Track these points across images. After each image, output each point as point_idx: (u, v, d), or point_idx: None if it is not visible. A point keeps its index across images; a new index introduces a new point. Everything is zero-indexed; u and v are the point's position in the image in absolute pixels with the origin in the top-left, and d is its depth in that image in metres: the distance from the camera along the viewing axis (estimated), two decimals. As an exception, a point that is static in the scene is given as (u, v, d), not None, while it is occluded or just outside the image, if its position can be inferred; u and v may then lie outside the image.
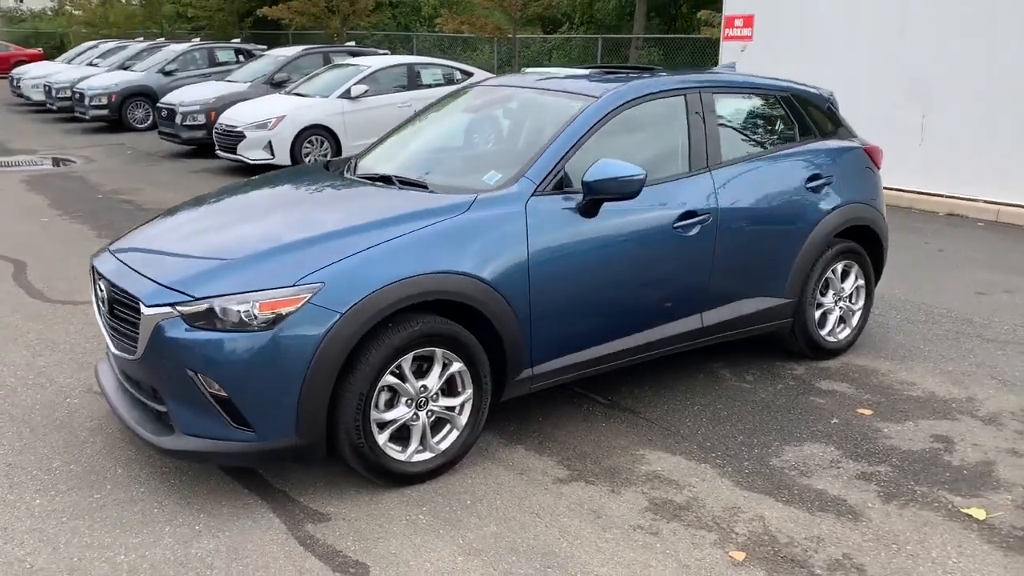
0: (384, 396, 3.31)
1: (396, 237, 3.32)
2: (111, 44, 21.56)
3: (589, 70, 4.67)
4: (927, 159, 9.26)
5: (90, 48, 22.33)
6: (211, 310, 3.05)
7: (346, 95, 11.84)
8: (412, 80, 12.56)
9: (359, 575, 2.85)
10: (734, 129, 4.53)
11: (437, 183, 3.85)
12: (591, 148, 3.88)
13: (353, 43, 16.16)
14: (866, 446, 3.84)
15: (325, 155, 11.75)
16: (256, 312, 3.04)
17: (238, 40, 18.67)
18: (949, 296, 6.14)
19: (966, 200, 9.01)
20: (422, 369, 3.39)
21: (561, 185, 3.73)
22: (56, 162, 12.78)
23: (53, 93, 18.45)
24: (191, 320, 3.06)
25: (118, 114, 16.39)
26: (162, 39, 20.88)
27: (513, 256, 3.50)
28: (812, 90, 4.94)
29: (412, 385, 3.33)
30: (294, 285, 3.09)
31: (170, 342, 3.08)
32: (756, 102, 4.73)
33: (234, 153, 11.54)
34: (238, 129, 11.47)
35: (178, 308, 3.08)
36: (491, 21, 15.75)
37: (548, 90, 4.35)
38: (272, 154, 11.35)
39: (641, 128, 4.18)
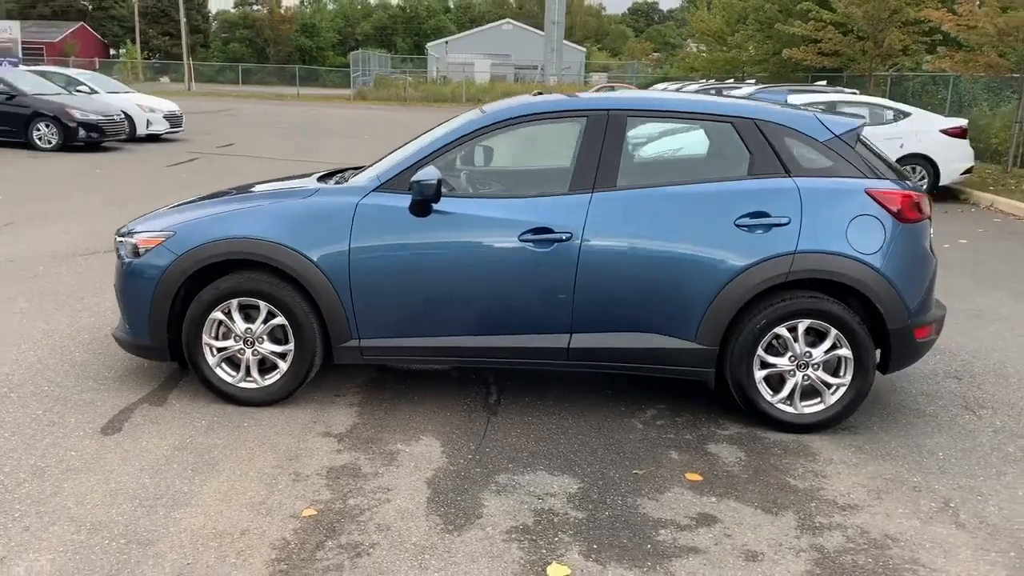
0: (223, 329, 4.31)
1: (244, 208, 4.31)
2: (665, 85, 24.10)
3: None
4: None
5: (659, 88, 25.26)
6: (132, 244, 4.45)
7: (748, 131, 11.95)
8: (829, 119, 12.01)
9: (110, 433, 3.97)
10: (648, 155, 4.28)
11: (353, 180, 4.63)
12: (470, 157, 4.28)
13: (824, 82, 15.69)
14: (609, 498, 3.52)
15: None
16: (140, 247, 4.35)
17: (752, 80, 19.39)
18: None
19: None
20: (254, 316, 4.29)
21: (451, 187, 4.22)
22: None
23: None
24: (128, 248, 4.50)
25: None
26: (686, 80, 22.61)
27: (335, 238, 4.16)
28: (802, 118, 4.24)
29: (238, 325, 4.28)
30: (159, 232, 4.33)
31: (117, 261, 4.58)
32: (694, 129, 4.32)
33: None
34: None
35: (124, 239, 4.55)
36: (985, 59, 13.70)
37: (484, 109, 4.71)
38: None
39: (531, 144, 4.34)
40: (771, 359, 4.15)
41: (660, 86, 24.47)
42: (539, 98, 4.47)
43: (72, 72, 19.79)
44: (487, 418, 4.31)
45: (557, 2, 47.42)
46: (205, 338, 4.29)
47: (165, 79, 61.61)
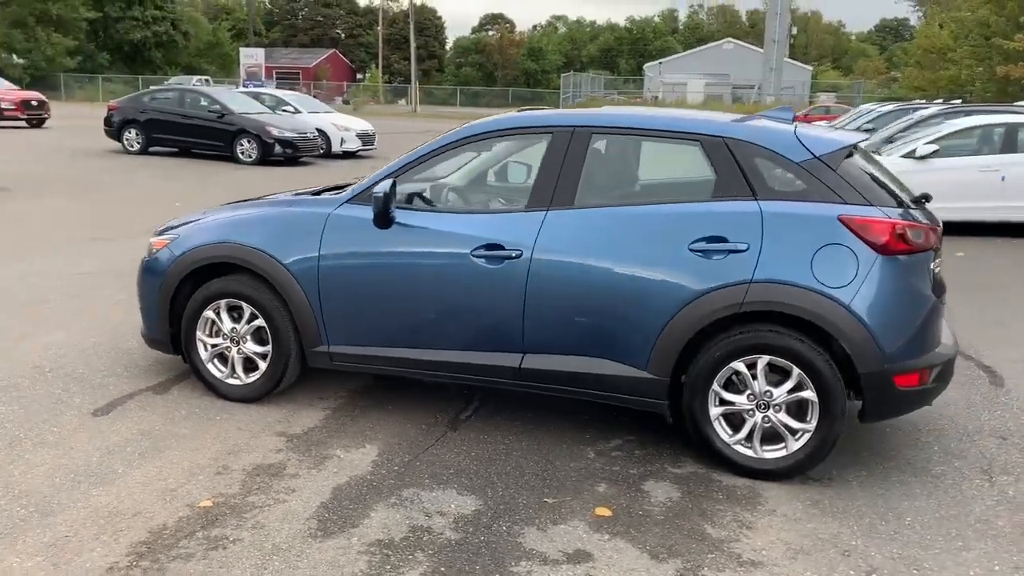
0: (215, 327, 4.62)
1: (237, 215, 4.61)
2: (868, 105, 22.47)
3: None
4: None
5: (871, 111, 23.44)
6: (150, 244, 4.89)
7: (911, 155, 11.01)
8: (1008, 142, 10.79)
9: (99, 415, 4.38)
10: (610, 172, 4.09)
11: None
12: (442, 171, 4.35)
13: (1025, 103, 13.97)
14: (496, 523, 3.42)
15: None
16: (154, 247, 4.78)
17: (959, 101, 17.61)
18: None
19: None
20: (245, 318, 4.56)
21: (407, 200, 4.31)
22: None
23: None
24: (148, 248, 4.94)
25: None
26: (887, 101, 20.86)
27: (307, 246, 4.33)
28: (777, 136, 3.86)
29: (226, 325, 4.57)
30: (167, 234, 4.73)
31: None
32: (660, 148, 4.06)
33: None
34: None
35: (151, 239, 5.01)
36: None
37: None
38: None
39: (497, 160, 4.30)
40: (729, 396, 3.84)
41: (865, 106, 22.92)
42: (515, 114, 4.42)
43: (281, 93, 21.78)
44: (443, 432, 4.31)
45: (778, 20, 45.70)
46: (199, 334, 4.61)
47: (402, 101, 65.74)
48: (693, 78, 51.96)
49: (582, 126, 4.09)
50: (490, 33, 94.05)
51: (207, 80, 46.23)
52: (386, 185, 4.08)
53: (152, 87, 23.09)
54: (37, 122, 25.38)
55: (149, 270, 4.73)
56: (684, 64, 59.03)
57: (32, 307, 6.32)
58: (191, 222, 4.81)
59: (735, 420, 3.87)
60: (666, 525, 3.43)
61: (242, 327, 4.53)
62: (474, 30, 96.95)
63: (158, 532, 3.26)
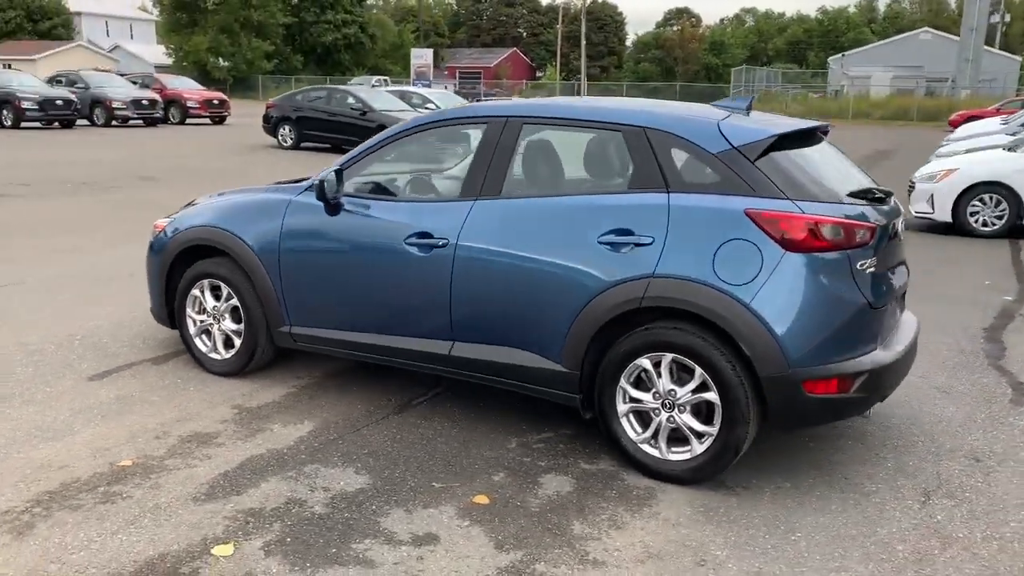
0: (201, 304, 4.98)
1: (221, 200, 4.94)
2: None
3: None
4: None
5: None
6: (154, 226, 5.33)
7: (1040, 152, 9.98)
8: None
9: (94, 379, 4.84)
10: (538, 163, 4.05)
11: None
12: (393, 162, 4.50)
13: None
14: (370, 502, 3.51)
15: (1000, 217, 10.27)
16: (156, 230, 5.21)
17: None
18: None
19: None
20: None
21: (371, 190, 4.52)
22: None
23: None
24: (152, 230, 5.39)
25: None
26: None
27: (271, 230, 4.59)
28: (698, 126, 3.67)
29: (209, 303, 4.91)
30: (166, 217, 5.14)
31: (155, 241, 5.48)
32: (584, 137, 3.96)
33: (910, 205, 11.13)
34: (914, 180, 11.03)
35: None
36: None
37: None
38: (932, 209, 10.57)
39: (439, 151, 4.37)
40: (636, 393, 3.73)
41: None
42: (460, 107, 4.48)
43: (426, 91, 22.61)
44: (385, 415, 4.43)
45: (977, 5, 41.98)
46: (188, 311, 4.98)
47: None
48: (878, 70, 48.76)
49: (513, 116, 4.09)
50: (673, 28, 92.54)
51: (385, 80, 48.34)
52: (327, 173, 4.26)
53: (306, 87, 24.54)
54: (219, 119, 27.67)
55: (152, 250, 5.16)
56: (873, 56, 55.44)
57: (104, 284, 7.00)
58: (196, 205, 5.18)
59: (645, 419, 3.75)
60: (535, 518, 3.39)
61: (221, 305, 4.84)
62: (658, 25, 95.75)
63: (68, 484, 3.59)
